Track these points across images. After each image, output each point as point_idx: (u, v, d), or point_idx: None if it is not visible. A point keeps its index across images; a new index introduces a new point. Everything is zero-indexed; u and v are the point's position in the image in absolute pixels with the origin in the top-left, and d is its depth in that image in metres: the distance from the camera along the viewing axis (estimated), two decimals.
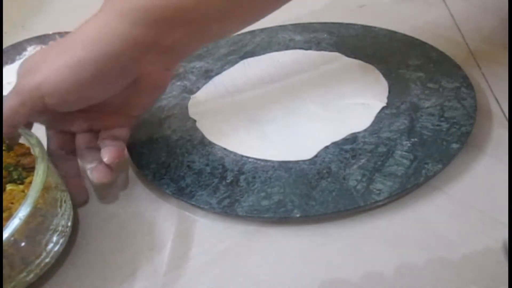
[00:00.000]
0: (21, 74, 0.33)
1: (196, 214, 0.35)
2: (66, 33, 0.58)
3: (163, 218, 0.36)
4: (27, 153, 0.34)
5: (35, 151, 0.31)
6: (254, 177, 0.36)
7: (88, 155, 0.37)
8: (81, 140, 0.37)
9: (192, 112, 0.45)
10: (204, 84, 0.48)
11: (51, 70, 0.31)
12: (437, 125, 0.37)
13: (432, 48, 0.46)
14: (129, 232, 0.35)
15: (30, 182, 0.30)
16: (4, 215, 0.29)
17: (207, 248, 0.33)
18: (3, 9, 0.69)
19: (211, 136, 0.41)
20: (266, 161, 0.37)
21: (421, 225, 0.32)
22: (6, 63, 0.57)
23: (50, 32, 0.59)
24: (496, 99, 0.40)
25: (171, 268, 0.32)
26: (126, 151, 0.39)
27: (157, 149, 0.41)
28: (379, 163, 0.35)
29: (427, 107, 0.39)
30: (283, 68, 0.48)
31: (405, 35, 0.49)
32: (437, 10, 0.55)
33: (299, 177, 0.35)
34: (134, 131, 0.43)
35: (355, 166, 0.35)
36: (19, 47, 0.58)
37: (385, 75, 0.44)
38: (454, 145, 0.35)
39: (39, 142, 0.32)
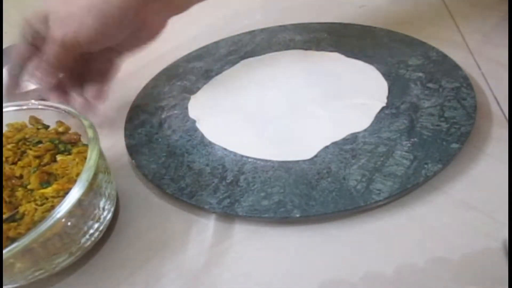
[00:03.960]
0: (53, 27, 0.38)
1: (196, 214, 0.35)
2: None
3: (163, 218, 0.36)
4: (66, 132, 0.37)
5: (89, 132, 0.33)
6: (254, 177, 0.36)
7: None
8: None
9: (192, 112, 0.45)
10: (204, 84, 0.49)
11: (82, 23, 0.38)
12: (437, 125, 0.37)
13: (432, 48, 0.46)
14: (128, 232, 0.35)
15: (78, 152, 0.35)
16: (63, 180, 0.33)
17: (207, 248, 0.33)
18: (3, 9, 0.69)
19: (211, 136, 0.41)
20: (266, 161, 0.37)
21: (421, 225, 0.32)
22: (6, 63, 0.57)
23: None
24: (496, 99, 0.40)
25: (171, 268, 0.32)
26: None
27: (157, 149, 0.41)
28: (379, 163, 0.35)
29: (427, 107, 0.39)
30: (283, 68, 0.48)
31: (405, 35, 0.49)
32: (437, 10, 0.55)
33: (299, 177, 0.35)
34: (134, 132, 0.43)
35: (355, 166, 0.35)
36: None
37: (385, 75, 0.44)
38: (454, 145, 0.35)
39: (92, 125, 0.34)
